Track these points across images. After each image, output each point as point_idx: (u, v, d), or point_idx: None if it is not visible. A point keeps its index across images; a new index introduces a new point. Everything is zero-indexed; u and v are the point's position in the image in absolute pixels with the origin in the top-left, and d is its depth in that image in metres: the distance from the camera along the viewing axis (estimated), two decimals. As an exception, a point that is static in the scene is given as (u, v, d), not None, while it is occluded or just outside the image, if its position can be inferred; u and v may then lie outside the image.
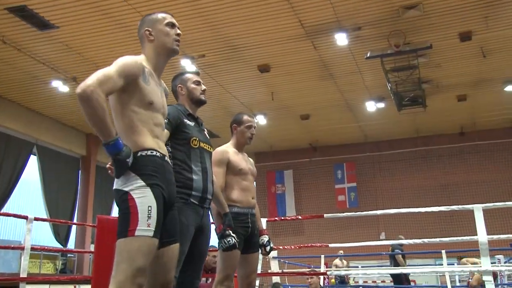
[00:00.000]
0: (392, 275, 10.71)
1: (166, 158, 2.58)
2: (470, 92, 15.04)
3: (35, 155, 15.50)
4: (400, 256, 10.67)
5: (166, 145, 3.01)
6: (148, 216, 2.33)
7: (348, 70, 13.19)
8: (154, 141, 2.53)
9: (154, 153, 2.49)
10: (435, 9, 10.42)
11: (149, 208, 2.34)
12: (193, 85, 3.37)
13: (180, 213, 2.94)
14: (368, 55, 11.63)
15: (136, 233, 2.30)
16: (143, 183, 2.38)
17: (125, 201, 2.36)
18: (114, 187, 2.45)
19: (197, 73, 3.47)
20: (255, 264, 3.97)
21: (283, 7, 10.14)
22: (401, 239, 10.31)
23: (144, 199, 2.35)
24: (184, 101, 3.38)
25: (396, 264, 10.60)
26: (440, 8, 10.37)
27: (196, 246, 3.12)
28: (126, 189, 2.38)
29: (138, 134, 2.48)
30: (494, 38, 11.63)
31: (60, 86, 13.11)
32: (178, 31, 2.76)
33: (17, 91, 13.75)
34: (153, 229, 2.33)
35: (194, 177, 3.12)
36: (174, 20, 2.77)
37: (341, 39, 11.22)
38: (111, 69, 2.43)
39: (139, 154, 2.44)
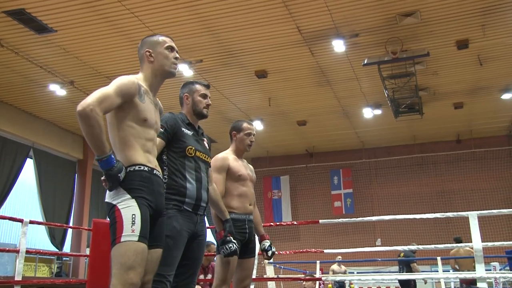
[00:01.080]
0: (401, 282, 10.61)
1: (155, 171, 2.73)
2: (467, 100, 15.09)
3: (31, 158, 15.46)
4: (415, 263, 10.63)
5: (162, 153, 3.10)
6: (132, 223, 2.50)
7: (345, 76, 13.23)
8: (144, 155, 2.70)
9: (142, 168, 2.66)
10: (432, 17, 10.47)
11: (133, 216, 2.52)
12: (199, 98, 3.43)
13: (173, 219, 3.01)
14: (365, 62, 11.66)
15: (122, 239, 2.48)
16: (129, 196, 2.56)
17: (113, 213, 2.55)
18: (105, 200, 2.64)
19: (206, 86, 3.51)
20: (250, 269, 4.01)
21: (281, 13, 10.17)
22: (414, 245, 10.22)
23: (129, 209, 2.53)
24: (187, 110, 3.44)
25: (408, 270, 10.53)
26: (438, 15, 10.43)
27: (191, 251, 3.16)
28: (114, 202, 2.57)
29: (129, 148, 2.66)
30: (491, 46, 11.68)
31: (57, 90, 13.10)
32: (177, 55, 2.96)
33: (14, 94, 13.74)
34: (138, 234, 2.50)
35: (188, 185, 3.17)
36: (173, 44, 2.96)
37: (339, 45, 11.26)
38: (109, 89, 2.60)
39: (128, 169, 2.62)
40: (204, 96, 3.44)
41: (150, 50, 2.89)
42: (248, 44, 11.41)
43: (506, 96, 14.55)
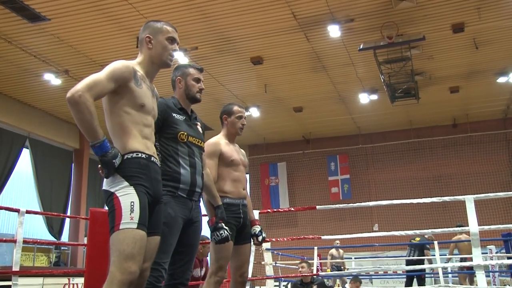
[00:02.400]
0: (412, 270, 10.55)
1: (152, 158, 2.71)
2: (463, 84, 15.08)
3: (27, 148, 15.43)
4: (429, 250, 10.69)
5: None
6: (131, 210, 2.49)
7: (341, 62, 13.18)
8: (142, 142, 2.67)
9: (140, 154, 2.64)
10: (427, 1, 10.41)
11: (132, 204, 2.50)
12: (192, 82, 3.37)
13: (167, 206, 3.00)
14: (361, 47, 11.62)
15: (121, 226, 2.47)
16: (127, 183, 2.54)
17: (111, 201, 2.53)
18: (103, 188, 2.62)
19: (200, 70, 3.45)
20: (247, 255, 3.98)
21: (275, -1, 10.10)
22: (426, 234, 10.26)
23: (127, 196, 2.51)
24: (179, 94, 3.38)
25: (420, 255, 10.53)
26: (433, -1, 10.38)
27: (186, 238, 3.15)
28: (112, 190, 2.55)
29: (127, 135, 2.63)
30: (487, 29, 11.64)
31: (52, 79, 13.04)
32: (176, 48, 2.91)
33: (8, 84, 13.66)
34: (137, 221, 2.48)
35: (182, 171, 3.14)
36: (176, 36, 2.91)
37: (334, 31, 11.21)
38: (101, 74, 2.57)
39: (125, 156, 2.60)
40: (198, 80, 3.38)
41: (151, 37, 2.84)
42: (244, 31, 11.35)
43: (501, 80, 14.54)
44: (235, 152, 3.96)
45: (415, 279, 10.74)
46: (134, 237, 2.46)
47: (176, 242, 3.04)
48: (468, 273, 10.17)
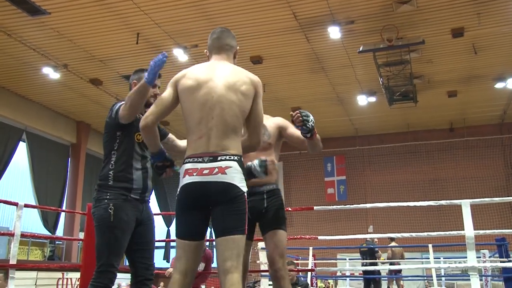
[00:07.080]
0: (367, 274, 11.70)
1: None
2: (461, 88, 15.13)
3: (24, 141, 15.40)
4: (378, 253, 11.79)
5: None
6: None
7: (340, 63, 13.21)
8: None
9: None
10: (428, 5, 10.46)
11: None
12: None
13: (121, 210, 3.06)
14: (361, 49, 11.65)
15: (244, 232, 2.58)
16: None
17: (243, 202, 2.56)
18: (229, 181, 2.54)
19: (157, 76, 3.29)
20: (275, 242, 3.76)
21: (277, -2, 10.12)
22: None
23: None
24: None
25: (373, 258, 11.88)
26: (433, 3, 10.41)
27: (142, 237, 3.22)
28: (244, 189, 2.58)
29: None
30: (486, 35, 11.69)
31: (51, 73, 12.99)
32: None
33: (7, 77, 13.62)
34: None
35: (135, 174, 3.18)
36: None
37: (334, 32, 11.23)
38: None
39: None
40: (153, 85, 3.29)
41: None
42: (244, 30, 11.35)
43: (499, 85, 14.59)
44: None
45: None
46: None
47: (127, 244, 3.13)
48: (396, 277, 11.65)
